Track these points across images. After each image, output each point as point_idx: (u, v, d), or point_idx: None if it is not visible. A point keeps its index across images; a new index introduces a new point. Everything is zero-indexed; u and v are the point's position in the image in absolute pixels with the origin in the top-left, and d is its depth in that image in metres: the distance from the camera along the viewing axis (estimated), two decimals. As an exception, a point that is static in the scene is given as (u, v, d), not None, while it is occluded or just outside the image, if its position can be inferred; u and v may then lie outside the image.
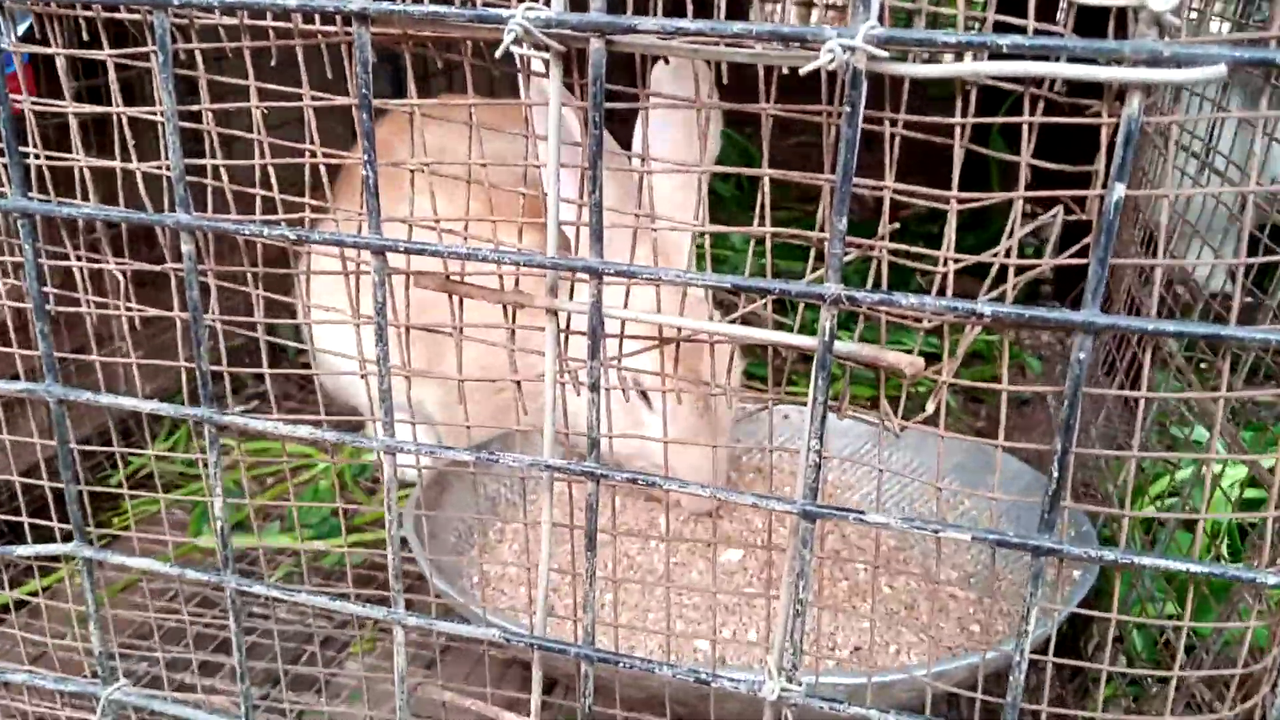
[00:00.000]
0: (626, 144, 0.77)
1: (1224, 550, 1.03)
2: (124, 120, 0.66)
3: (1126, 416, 1.31)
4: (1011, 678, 0.60)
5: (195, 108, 0.64)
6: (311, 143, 0.61)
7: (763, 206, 0.57)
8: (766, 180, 0.57)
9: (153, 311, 0.70)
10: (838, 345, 0.53)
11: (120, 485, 1.06)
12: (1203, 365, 1.27)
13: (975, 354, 1.78)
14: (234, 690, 0.76)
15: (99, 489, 1.08)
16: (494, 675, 1.07)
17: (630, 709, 0.79)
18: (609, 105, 0.52)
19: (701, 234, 0.75)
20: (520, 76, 0.66)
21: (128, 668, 1.10)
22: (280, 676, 1.09)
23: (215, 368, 0.67)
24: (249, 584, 0.74)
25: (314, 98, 0.60)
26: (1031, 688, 1.05)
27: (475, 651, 1.08)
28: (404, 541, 0.97)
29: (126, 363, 0.71)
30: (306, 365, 1.84)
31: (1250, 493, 1.01)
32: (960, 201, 0.52)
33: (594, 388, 0.59)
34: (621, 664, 0.65)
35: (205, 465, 0.71)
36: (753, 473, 1.24)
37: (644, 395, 1.09)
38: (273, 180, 0.64)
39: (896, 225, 0.53)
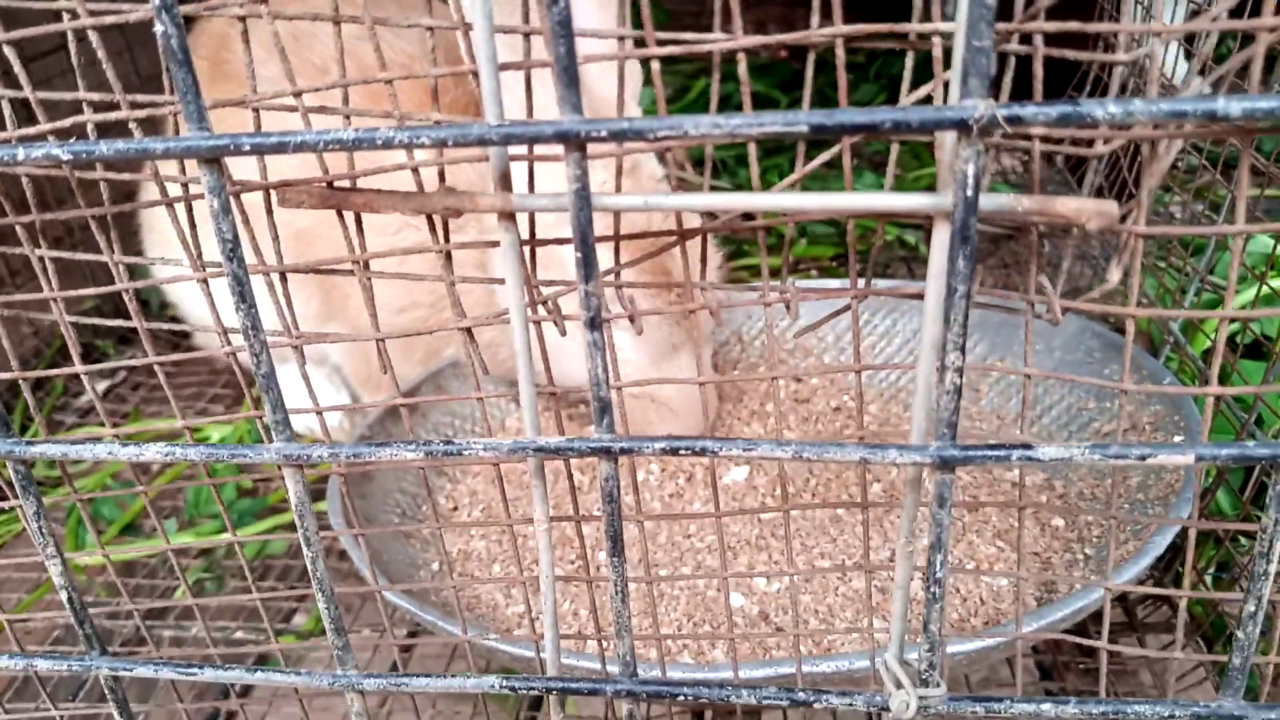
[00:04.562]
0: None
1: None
2: None
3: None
4: (1242, 632, 0.43)
5: None
6: None
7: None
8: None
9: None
10: (988, 201, 0.33)
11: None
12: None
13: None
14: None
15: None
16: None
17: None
18: None
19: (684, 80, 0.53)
20: None
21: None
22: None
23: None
24: (129, 666, 0.52)
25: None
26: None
27: (445, 652, 0.88)
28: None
29: None
30: (174, 319, 1.57)
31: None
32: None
33: (594, 323, 0.38)
34: (683, 695, 0.46)
35: (24, 517, 0.48)
36: (736, 368, 1.04)
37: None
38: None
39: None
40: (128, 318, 0.93)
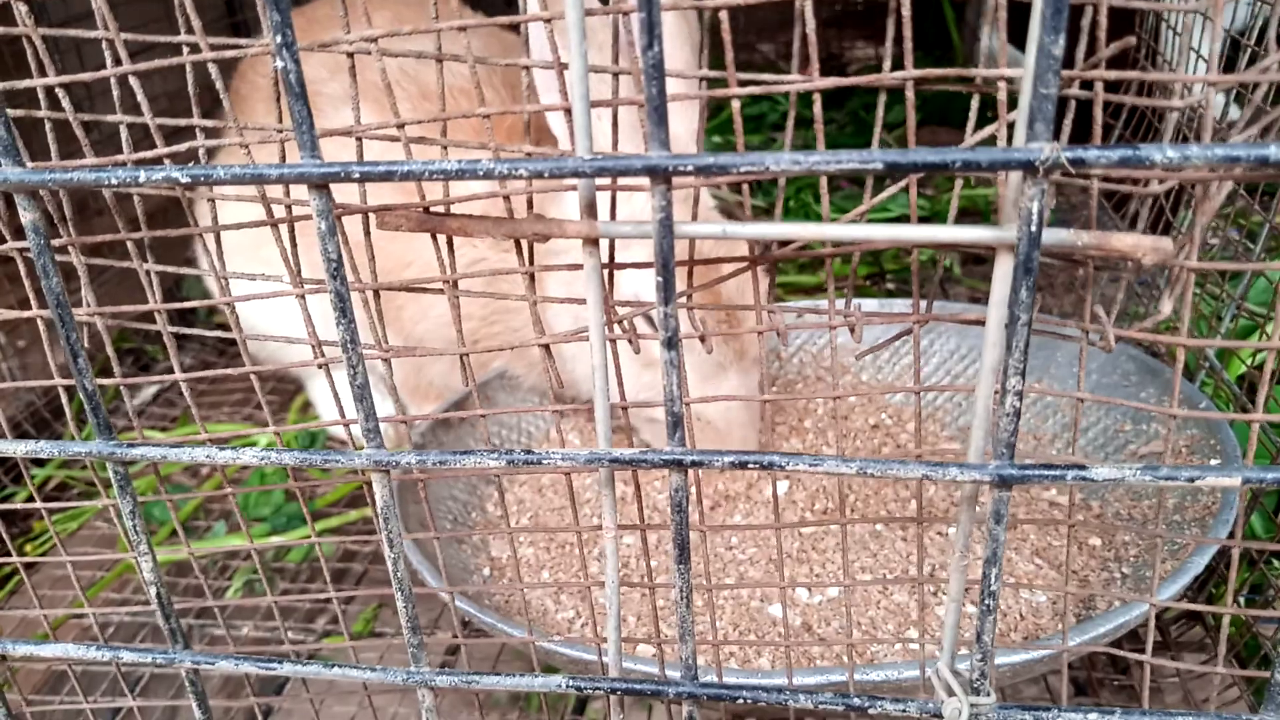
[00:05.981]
0: None
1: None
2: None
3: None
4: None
5: None
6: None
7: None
8: None
9: (3, 314, 0.49)
10: (1049, 235, 0.35)
11: (31, 499, 0.85)
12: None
13: (967, 210, 1.61)
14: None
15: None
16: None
17: None
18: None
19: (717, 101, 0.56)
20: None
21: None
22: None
23: (102, 381, 0.47)
24: (211, 660, 0.55)
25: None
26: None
27: (491, 654, 0.91)
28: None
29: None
30: (222, 327, 1.61)
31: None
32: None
33: (670, 343, 0.40)
34: (742, 698, 0.49)
35: (117, 515, 0.51)
36: (774, 386, 1.06)
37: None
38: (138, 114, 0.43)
39: (1122, 45, 0.34)
40: (177, 325, 0.94)
